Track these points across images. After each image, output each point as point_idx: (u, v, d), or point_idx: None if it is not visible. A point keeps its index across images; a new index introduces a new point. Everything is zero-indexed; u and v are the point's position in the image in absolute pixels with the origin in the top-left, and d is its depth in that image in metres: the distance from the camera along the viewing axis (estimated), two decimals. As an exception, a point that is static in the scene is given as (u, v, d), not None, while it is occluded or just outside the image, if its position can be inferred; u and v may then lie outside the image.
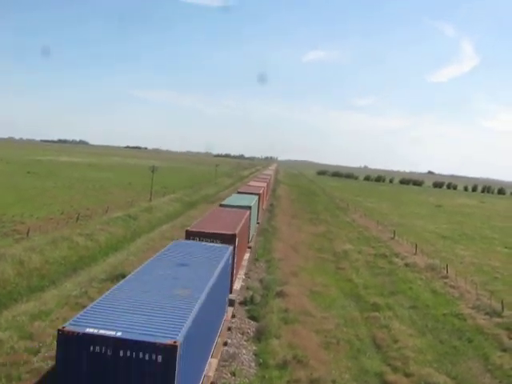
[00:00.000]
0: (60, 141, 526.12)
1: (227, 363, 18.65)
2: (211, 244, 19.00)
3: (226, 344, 19.60)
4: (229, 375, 17.87)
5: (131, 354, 9.51)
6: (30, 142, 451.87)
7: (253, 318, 23.99)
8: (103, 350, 9.55)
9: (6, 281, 25.98)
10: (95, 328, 9.75)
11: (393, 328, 24.50)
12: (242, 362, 19.09)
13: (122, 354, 9.51)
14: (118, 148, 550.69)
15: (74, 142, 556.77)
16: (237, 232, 21.57)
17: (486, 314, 27.50)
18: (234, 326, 22.41)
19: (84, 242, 35.82)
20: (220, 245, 18.94)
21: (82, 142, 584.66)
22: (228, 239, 20.28)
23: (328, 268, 37.62)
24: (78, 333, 9.59)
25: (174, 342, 9.45)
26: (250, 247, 33.51)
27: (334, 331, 23.31)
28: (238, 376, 17.86)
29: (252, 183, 67.54)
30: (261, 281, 30.72)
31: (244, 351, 20.19)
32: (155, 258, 16.03)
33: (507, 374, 20.50)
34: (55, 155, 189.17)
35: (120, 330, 9.74)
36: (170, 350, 9.41)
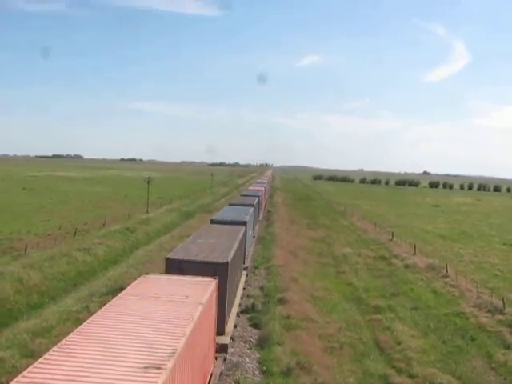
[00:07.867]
0: (55, 156, 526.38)
1: (231, 372, 18.58)
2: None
3: None
4: (233, 384, 17.81)
5: None
6: (25, 159, 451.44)
7: (255, 325, 23.96)
8: None
9: (6, 299, 25.90)
10: None
11: (395, 330, 24.47)
12: (246, 371, 19.02)
13: None
14: (113, 161, 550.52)
15: (68, 157, 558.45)
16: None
17: (488, 311, 27.49)
18: (236, 334, 22.36)
19: (83, 257, 35.76)
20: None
21: (76, 157, 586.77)
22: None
23: (328, 272, 37.57)
24: None
25: None
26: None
27: (336, 335, 23.26)
28: (242, 384, 17.79)
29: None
30: (261, 288, 30.69)
31: (247, 359, 20.14)
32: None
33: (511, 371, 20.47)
34: (50, 170, 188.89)
35: None
36: None
